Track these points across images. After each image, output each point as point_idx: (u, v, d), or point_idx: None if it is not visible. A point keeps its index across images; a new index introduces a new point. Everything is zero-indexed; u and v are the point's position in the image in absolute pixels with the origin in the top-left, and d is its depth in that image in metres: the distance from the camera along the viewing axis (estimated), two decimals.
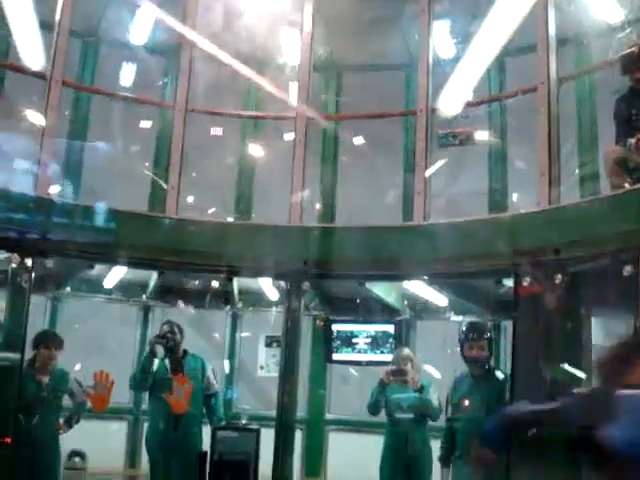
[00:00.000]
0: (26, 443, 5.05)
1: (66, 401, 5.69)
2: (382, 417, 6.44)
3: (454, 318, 7.35)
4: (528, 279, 4.61)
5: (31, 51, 5.50)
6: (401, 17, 6.96)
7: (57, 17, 5.35)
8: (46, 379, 5.45)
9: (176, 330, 6.13)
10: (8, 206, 4.67)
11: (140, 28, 7.31)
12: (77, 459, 7.21)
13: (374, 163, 7.32)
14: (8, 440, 4.81)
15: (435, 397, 6.15)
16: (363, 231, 5.31)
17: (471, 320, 6.74)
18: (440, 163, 5.61)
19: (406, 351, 6.51)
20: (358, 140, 7.31)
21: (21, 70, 5.64)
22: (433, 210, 5.46)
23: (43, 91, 5.23)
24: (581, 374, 4.32)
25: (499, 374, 5.47)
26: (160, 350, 6.07)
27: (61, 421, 5.61)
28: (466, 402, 5.39)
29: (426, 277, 5.72)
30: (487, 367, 5.44)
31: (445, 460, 5.59)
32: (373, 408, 6.38)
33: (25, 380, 5.21)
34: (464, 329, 5.62)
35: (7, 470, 4.80)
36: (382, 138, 7.03)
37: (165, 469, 5.95)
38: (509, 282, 4.95)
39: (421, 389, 6.24)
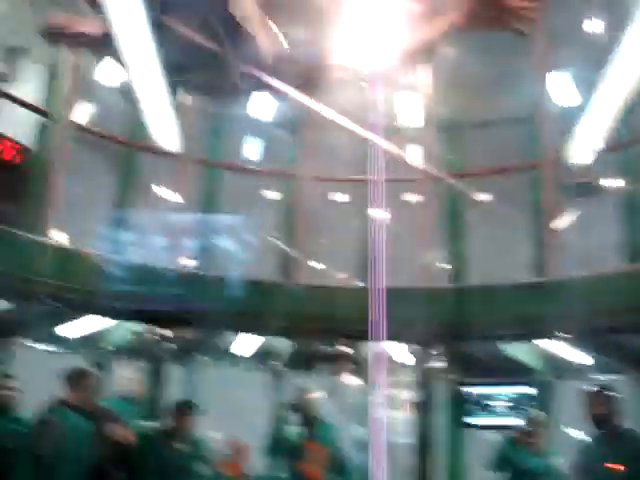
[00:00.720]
0: None
1: (204, 467, 5.77)
2: None
3: (598, 377, 6.93)
4: None
5: (162, 131, 5.83)
6: (521, 69, 6.86)
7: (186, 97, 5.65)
8: (185, 446, 5.56)
9: (319, 398, 6.14)
10: (146, 279, 4.90)
11: (266, 105, 7.61)
12: None
13: (502, 218, 7.15)
14: None
15: (558, 462, 5.85)
16: (495, 290, 5.18)
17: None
18: (571, 215, 5.41)
19: (538, 414, 6.23)
20: (484, 196, 7.19)
21: (154, 151, 5.98)
22: (567, 263, 5.25)
23: (175, 168, 5.51)
24: None
25: (632, 434, 5.08)
26: (294, 418, 6.08)
27: None
28: (596, 466, 5.05)
29: (565, 334, 5.45)
30: (616, 427, 5.07)
31: None
32: (495, 466, 6.13)
33: (165, 447, 5.35)
34: (587, 389, 5.33)
35: None
36: (509, 192, 6.87)
37: None
38: None
39: (549, 455, 5.96)
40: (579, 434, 5.79)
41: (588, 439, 5.24)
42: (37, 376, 6.39)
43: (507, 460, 6.07)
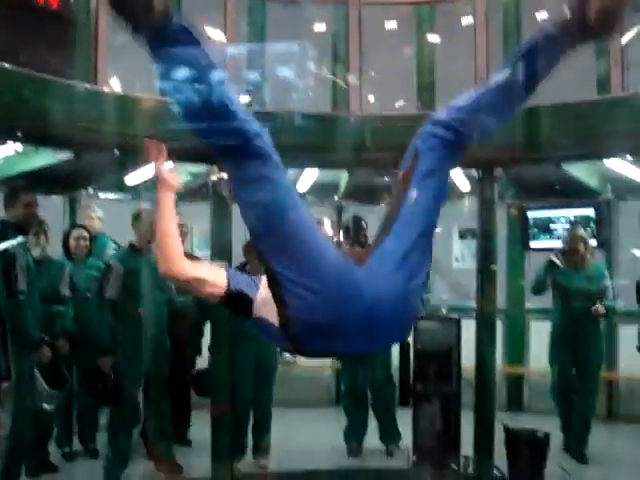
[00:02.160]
0: (247, 341, 5.41)
1: None
2: None
3: None
4: None
5: None
6: None
7: None
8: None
9: (363, 225, 6.23)
10: (205, 117, 4.83)
11: None
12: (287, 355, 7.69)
13: None
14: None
15: (607, 282, 5.97)
16: (557, 109, 4.99)
17: None
18: (636, 28, 5.09)
19: (580, 231, 6.17)
20: (541, 14, 6.80)
21: None
22: (632, 81, 5.02)
23: (219, 5, 5.31)
24: None
25: None
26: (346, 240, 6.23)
27: None
28: None
29: (629, 152, 5.31)
30: None
31: None
32: (536, 288, 6.24)
33: None
34: None
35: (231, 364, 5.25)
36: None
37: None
38: None
39: (595, 275, 6.00)
40: None
41: None
42: (107, 224, 6.63)
43: (544, 281, 6.15)
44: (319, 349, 2.04)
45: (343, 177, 7.10)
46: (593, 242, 6.90)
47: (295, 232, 1.96)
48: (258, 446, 5.87)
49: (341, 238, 6.07)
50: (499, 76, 2.10)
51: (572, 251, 5.99)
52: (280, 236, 1.96)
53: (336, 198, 7.95)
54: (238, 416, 5.62)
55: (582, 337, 6.00)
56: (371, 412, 6.30)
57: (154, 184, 6.86)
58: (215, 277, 2.13)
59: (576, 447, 6.05)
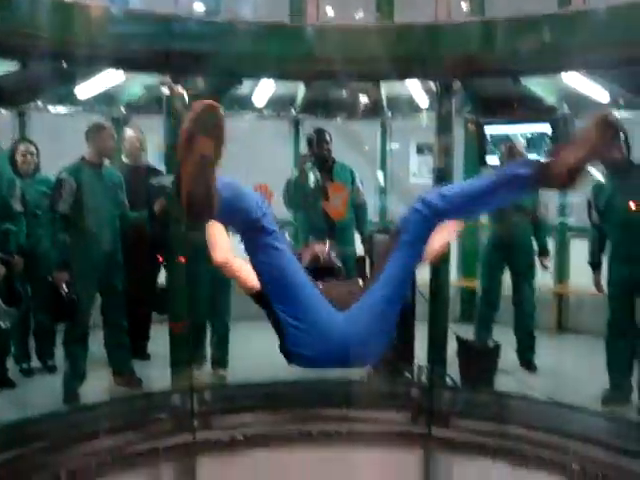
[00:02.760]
0: (202, 253, 5.38)
1: None
2: None
3: (617, 113, 6.87)
4: None
5: None
6: None
7: None
8: None
9: (327, 138, 6.15)
10: (153, 28, 4.66)
11: None
12: None
13: None
14: (182, 259, 5.19)
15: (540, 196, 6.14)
16: (516, 21, 4.92)
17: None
18: None
19: (516, 145, 6.31)
20: None
21: None
22: None
23: None
24: None
25: None
26: (309, 165, 6.16)
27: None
28: (613, 204, 5.29)
29: (587, 67, 5.30)
30: (628, 162, 5.23)
31: (597, 265, 5.56)
32: None
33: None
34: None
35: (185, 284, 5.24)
36: None
37: None
38: None
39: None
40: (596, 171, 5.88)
41: (599, 181, 5.37)
42: (57, 139, 6.45)
43: None
44: (305, 365, 2.74)
45: (300, 90, 6.97)
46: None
47: (293, 288, 2.53)
48: (217, 357, 5.95)
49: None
50: (482, 182, 2.58)
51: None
52: (282, 289, 2.53)
53: (293, 112, 7.83)
54: (195, 327, 5.66)
55: (516, 249, 6.20)
56: None
57: (105, 97, 6.72)
58: (253, 275, 2.63)
59: (523, 356, 6.25)
